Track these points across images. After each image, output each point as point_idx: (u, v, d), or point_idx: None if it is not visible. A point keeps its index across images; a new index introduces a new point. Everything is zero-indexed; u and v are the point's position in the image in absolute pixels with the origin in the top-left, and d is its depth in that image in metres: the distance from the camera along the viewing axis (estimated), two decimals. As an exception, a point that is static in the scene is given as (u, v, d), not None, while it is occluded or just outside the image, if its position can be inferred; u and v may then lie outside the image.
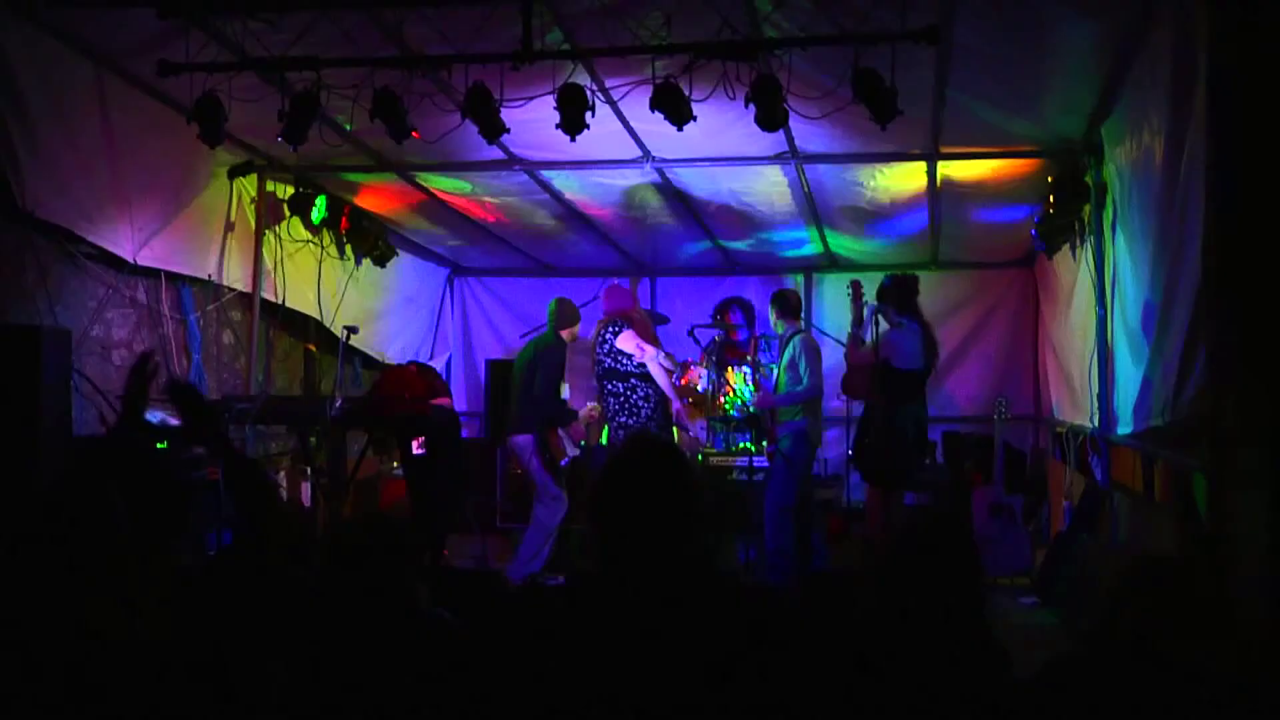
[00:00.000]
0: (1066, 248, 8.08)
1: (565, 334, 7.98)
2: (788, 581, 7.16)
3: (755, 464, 8.27)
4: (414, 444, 7.76)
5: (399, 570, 2.86)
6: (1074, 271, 7.88)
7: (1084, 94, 6.14)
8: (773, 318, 7.97)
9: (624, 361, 7.72)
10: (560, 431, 7.75)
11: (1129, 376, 6.11)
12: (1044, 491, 9.47)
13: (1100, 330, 6.92)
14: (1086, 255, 7.22)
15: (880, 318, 7.37)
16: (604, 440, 8.48)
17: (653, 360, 7.70)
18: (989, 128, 6.79)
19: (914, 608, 2.75)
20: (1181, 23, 4.53)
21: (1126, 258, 6.14)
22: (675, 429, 8.69)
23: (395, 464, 9.47)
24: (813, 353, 7.55)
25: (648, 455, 2.61)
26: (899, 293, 7.49)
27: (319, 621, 2.79)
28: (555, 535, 7.61)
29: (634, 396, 7.74)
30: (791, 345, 7.67)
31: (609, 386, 7.80)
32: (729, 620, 2.41)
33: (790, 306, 7.94)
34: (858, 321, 7.67)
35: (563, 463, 7.74)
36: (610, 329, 7.81)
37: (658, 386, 7.79)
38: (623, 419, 7.75)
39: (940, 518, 3.11)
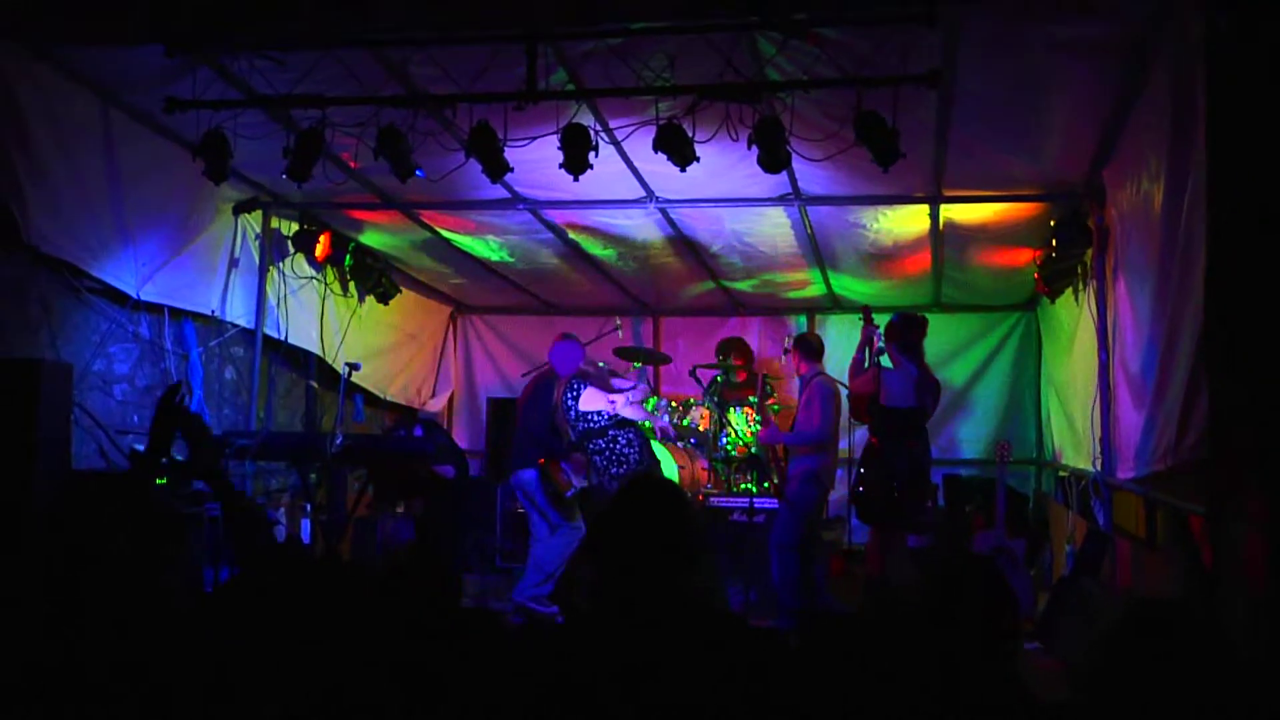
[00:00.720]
0: (1069, 291, 8.08)
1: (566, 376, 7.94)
2: (799, 607, 7.11)
3: (756, 504, 8.22)
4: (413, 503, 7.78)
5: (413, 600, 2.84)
6: (1076, 315, 7.88)
7: (1085, 138, 6.17)
8: (795, 361, 7.96)
9: (594, 418, 7.66)
10: (563, 464, 7.69)
11: (1130, 421, 6.09)
12: (1046, 535, 9.41)
13: (1103, 374, 6.90)
14: (1089, 299, 7.22)
15: (883, 356, 7.41)
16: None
17: (624, 406, 7.66)
18: (991, 171, 6.81)
19: (949, 651, 2.72)
20: (1180, 67, 4.55)
21: (1127, 302, 6.14)
22: (666, 446, 8.62)
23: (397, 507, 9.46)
24: (829, 396, 7.51)
25: (647, 493, 2.60)
26: (904, 332, 7.49)
27: (321, 647, 2.76)
28: (563, 567, 7.47)
29: (618, 446, 7.70)
30: (810, 387, 7.66)
31: (591, 446, 7.73)
32: (726, 658, 2.39)
33: (813, 349, 7.92)
34: (862, 345, 7.71)
35: (568, 494, 7.67)
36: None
37: (635, 425, 7.75)
38: (615, 471, 7.70)
39: (976, 562, 3.08)
